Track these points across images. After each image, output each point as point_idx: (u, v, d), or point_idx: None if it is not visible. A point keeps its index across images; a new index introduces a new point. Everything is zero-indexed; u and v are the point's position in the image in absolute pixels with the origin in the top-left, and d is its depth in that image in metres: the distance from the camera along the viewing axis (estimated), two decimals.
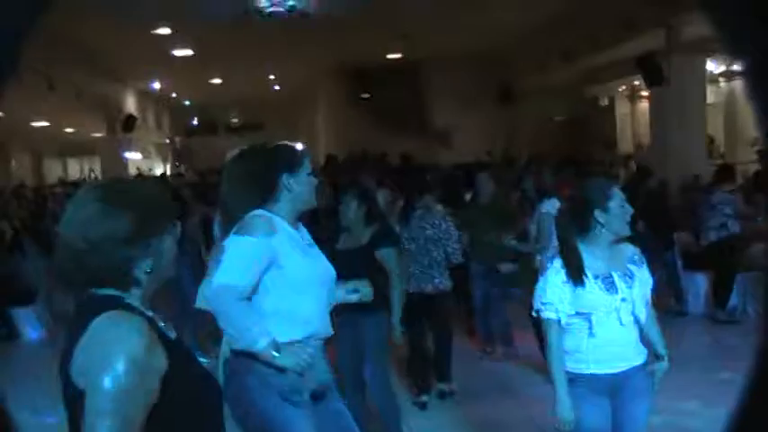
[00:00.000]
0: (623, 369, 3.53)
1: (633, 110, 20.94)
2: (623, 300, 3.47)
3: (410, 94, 22.37)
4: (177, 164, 32.71)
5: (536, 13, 15.48)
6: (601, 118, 21.61)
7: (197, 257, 8.06)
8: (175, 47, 17.02)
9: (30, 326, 9.79)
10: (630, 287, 3.50)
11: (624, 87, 20.09)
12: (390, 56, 19.93)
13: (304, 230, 3.44)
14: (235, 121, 34.17)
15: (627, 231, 3.56)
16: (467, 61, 20.21)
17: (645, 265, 3.64)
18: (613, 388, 3.53)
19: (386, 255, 5.25)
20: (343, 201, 5.39)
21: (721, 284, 8.60)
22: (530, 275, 3.72)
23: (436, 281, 6.30)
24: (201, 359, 2.15)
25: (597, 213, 3.50)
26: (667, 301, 8.74)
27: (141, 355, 1.79)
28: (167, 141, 32.23)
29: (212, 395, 2.10)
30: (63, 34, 12.33)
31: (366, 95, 23.21)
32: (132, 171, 24.31)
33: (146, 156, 28.88)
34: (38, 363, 8.18)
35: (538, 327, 4.54)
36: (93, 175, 27.10)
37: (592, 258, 3.50)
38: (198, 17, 13.97)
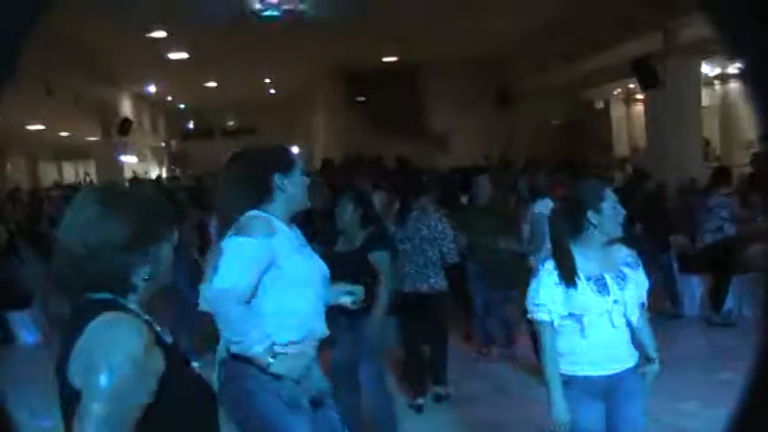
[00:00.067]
0: (617, 371, 3.53)
1: (628, 113, 20.97)
2: (615, 302, 3.47)
3: (407, 97, 22.36)
4: (173, 167, 32.69)
5: (532, 18, 15.50)
6: (596, 121, 21.64)
7: (193, 262, 8.05)
8: (171, 50, 17.00)
9: (26, 330, 9.76)
10: (623, 289, 3.50)
11: (619, 90, 20.12)
12: (386, 59, 19.93)
13: (297, 231, 3.45)
14: (230, 124, 34.15)
15: (619, 233, 3.56)
16: (464, 65, 20.23)
17: (641, 268, 3.64)
18: (607, 390, 3.53)
19: (379, 258, 5.25)
20: (340, 203, 5.42)
21: (717, 287, 8.61)
22: (524, 276, 3.72)
23: (431, 280, 6.30)
24: (194, 363, 2.14)
25: (590, 214, 3.50)
26: (663, 304, 8.75)
27: (140, 354, 1.80)
28: (163, 145, 32.21)
29: (206, 400, 2.10)
30: (58, 37, 12.31)
31: (362, 99, 23.20)
32: (128, 174, 24.28)
33: (141, 159, 28.86)
34: (34, 366, 8.16)
35: (533, 328, 4.54)
36: (88, 179, 27.07)
37: (584, 260, 3.50)
38: (193, 20, 13.96)
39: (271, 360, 3.14)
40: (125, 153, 23.37)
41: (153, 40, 15.73)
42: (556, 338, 3.52)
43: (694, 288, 9.05)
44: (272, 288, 3.21)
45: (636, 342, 3.61)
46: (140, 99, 25.32)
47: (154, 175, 28.11)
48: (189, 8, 13.21)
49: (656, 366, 3.65)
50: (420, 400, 6.38)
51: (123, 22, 13.54)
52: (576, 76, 17.10)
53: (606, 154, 20.27)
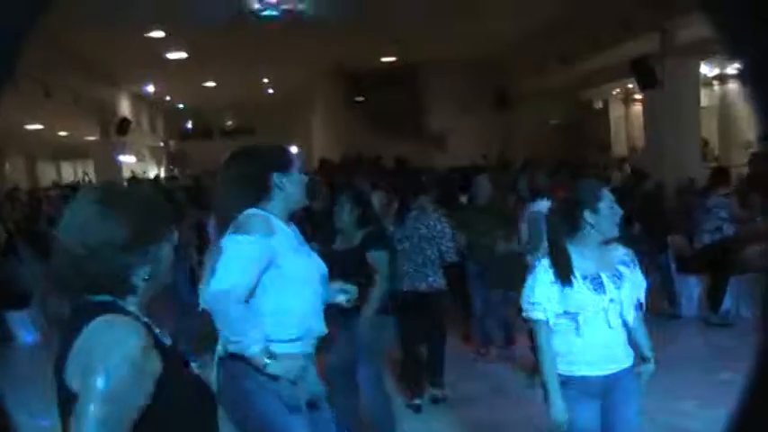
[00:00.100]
0: (613, 371, 3.53)
1: (627, 113, 20.97)
2: (611, 300, 3.48)
3: (406, 98, 22.35)
4: (171, 167, 32.68)
5: (530, 19, 15.50)
6: (595, 121, 21.64)
7: (192, 261, 8.04)
8: (169, 50, 16.98)
9: (24, 329, 9.75)
10: (619, 288, 3.51)
11: (618, 90, 20.12)
12: (385, 59, 19.92)
13: (295, 229, 3.46)
14: (229, 124, 34.14)
15: (616, 232, 3.57)
16: (462, 65, 20.22)
17: (638, 267, 3.64)
18: (604, 390, 3.53)
19: (376, 257, 5.26)
20: (338, 203, 5.43)
21: (715, 287, 8.61)
22: (523, 277, 3.72)
23: (430, 279, 6.30)
24: (193, 363, 2.14)
25: (587, 214, 3.51)
26: (661, 304, 8.75)
27: (138, 356, 1.80)
28: (161, 144, 32.19)
29: (205, 401, 2.10)
30: (56, 37, 12.30)
31: (360, 99, 23.19)
32: (126, 174, 24.26)
33: (140, 159, 28.84)
34: (32, 366, 8.17)
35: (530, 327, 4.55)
36: (86, 179, 27.05)
37: (581, 259, 3.50)
38: (191, 20, 13.94)
39: (267, 361, 3.14)
40: (123, 153, 23.35)
41: (151, 40, 15.71)
42: (551, 337, 3.53)
43: (692, 288, 9.05)
44: (271, 287, 3.21)
45: (632, 342, 3.61)
46: (139, 99, 25.29)
47: (152, 174, 28.09)
48: (187, 8, 13.20)
49: (651, 366, 3.65)
50: (417, 401, 6.37)
51: (121, 22, 13.52)
52: (574, 76, 17.10)
53: (604, 154, 20.27)
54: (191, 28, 14.60)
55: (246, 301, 3.17)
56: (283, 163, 3.40)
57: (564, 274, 3.46)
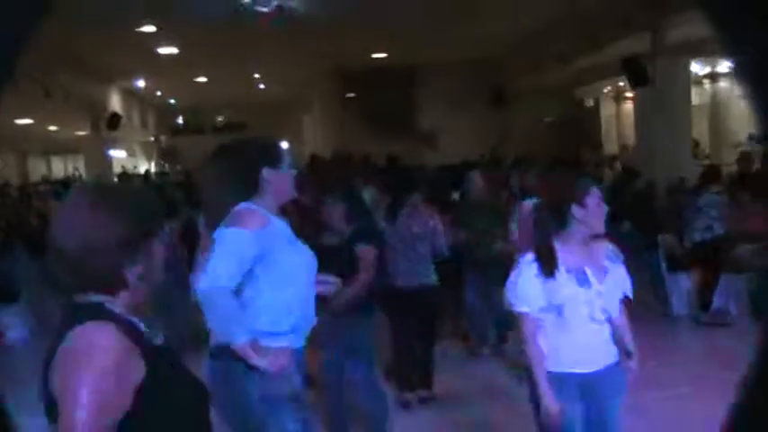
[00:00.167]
0: (598, 368, 3.54)
1: (618, 111, 21.02)
2: (597, 294, 3.48)
3: (400, 96, 22.34)
4: (162, 163, 32.62)
5: (525, 18, 15.50)
6: (587, 119, 21.69)
7: (183, 258, 8.01)
8: (160, 45, 16.93)
9: (13, 326, 9.70)
10: (603, 282, 3.52)
11: (609, 88, 20.16)
12: (377, 55, 19.89)
13: (285, 223, 3.46)
14: (220, 119, 34.10)
15: (602, 228, 3.58)
16: (458, 64, 20.23)
17: (620, 263, 3.66)
18: (588, 387, 3.53)
19: (363, 252, 5.26)
20: (328, 198, 5.43)
21: (705, 286, 8.63)
22: None
23: (422, 276, 6.30)
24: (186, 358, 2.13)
25: (574, 209, 3.51)
26: (651, 303, 8.77)
27: (117, 364, 1.80)
28: (152, 140, 32.12)
29: (198, 397, 2.09)
30: (47, 32, 12.22)
31: (351, 95, 23.16)
32: (117, 169, 24.20)
33: (130, 154, 28.78)
34: (21, 363, 8.14)
35: None
36: (77, 174, 26.98)
37: (567, 253, 3.52)
38: (183, 15, 13.90)
39: (253, 353, 3.15)
40: (114, 148, 23.28)
41: (143, 35, 15.65)
42: (537, 330, 3.53)
43: (682, 287, 9.06)
44: (263, 279, 3.23)
45: (616, 339, 3.62)
46: (129, 94, 25.21)
47: (143, 170, 28.04)
48: (179, 3, 13.16)
49: (634, 363, 3.66)
50: (408, 396, 6.37)
51: (113, 17, 13.46)
52: (567, 74, 17.13)
53: (596, 152, 20.32)
54: (182, 23, 14.56)
55: (238, 294, 3.17)
56: (273, 158, 3.40)
57: (548, 267, 3.47)
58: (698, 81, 17.22)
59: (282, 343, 3.26)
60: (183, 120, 34.56)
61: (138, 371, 1.85)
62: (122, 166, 25.90)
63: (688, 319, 8.80)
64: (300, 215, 5.88)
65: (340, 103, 23.26)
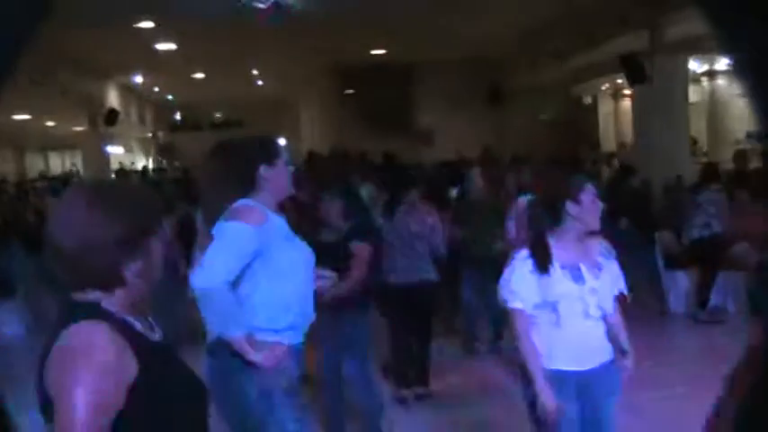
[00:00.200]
0: (593, 365, 3.54)
1: (616, 108, 21.03)
2: (591, 290, 3.48)
3: (398, 93, 22.31)
4: (160, 159, 32.57)
5: (524, 16, 15.47)
6: (585, 117, 21.68)
7: (180, 254, 8.00)
8: (158, 41, 16.89)
9: (9, 322, 9.70)
10: (598, 279, 3.52)
11: (607, 86, 20.16)
12: (375, 51, 19.86)
13: (283, 219, 3.45)
14: (218, 116, 34.04)
15: (597, 225, 3.58)
16: (456, 61, 20.20)
17: (614, 260, 3.66)
18: (584, 384, 3.53)
19: (359, 249, 5.26)
20: (325, 194, 5.42)
21: (703, 283, 8.63)
22: None
23: (421, 272, 6.30)
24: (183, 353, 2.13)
25: (569, 205, 3.51)
26: (648, 300, 8.77)
27: (109, 364, 1.79)
28: (150, 136, 32.07)
29: (196, 393, 2.09)
30: (45, 28, 12.19)
31: (350, 91, 23.13)
32: (114, 165, 24.15)
33: (128, 150, 28.74)
34: (16, 360, 8.13)
35: None
36: (74, 169, 26.95)
37: (561, 250, 3.52)
38: (181, 11, 13.87)
39: (248, 347, 3.15)
40: (112, 144, 23.24)
41: (141, 31, 15.61)
42: (531, 327, 3.53)
43: (680, 284, 9.07)
44: (261, 276, 3.23)
45: (610, 336, 3.62)
46: (127, 90, 25.14)
47: (140, 166, 28.00)
48: None
49: (629, 361, 3.66)
50: (405, 393, 6.38)
51: (111, 13, 13.42)
52: (565, 72, 17.12)
53: (594, 149, 20.31)
54: (180, 19, 14.52)
55: (235, 289, 3.17)
56: (269, 154, 3.41)
57: (542, 263, 3.47)
58: (696, 78, 17.22)
59: (279, 339, 3.26)
60: (181, 116, 34.47)
61: (130, 370, 1.84)
62: (120, 163, 25.86)
63: (685, 316, 8.81)
64: (298, 212, 5.87)
65: (338, 100, 23.23)
